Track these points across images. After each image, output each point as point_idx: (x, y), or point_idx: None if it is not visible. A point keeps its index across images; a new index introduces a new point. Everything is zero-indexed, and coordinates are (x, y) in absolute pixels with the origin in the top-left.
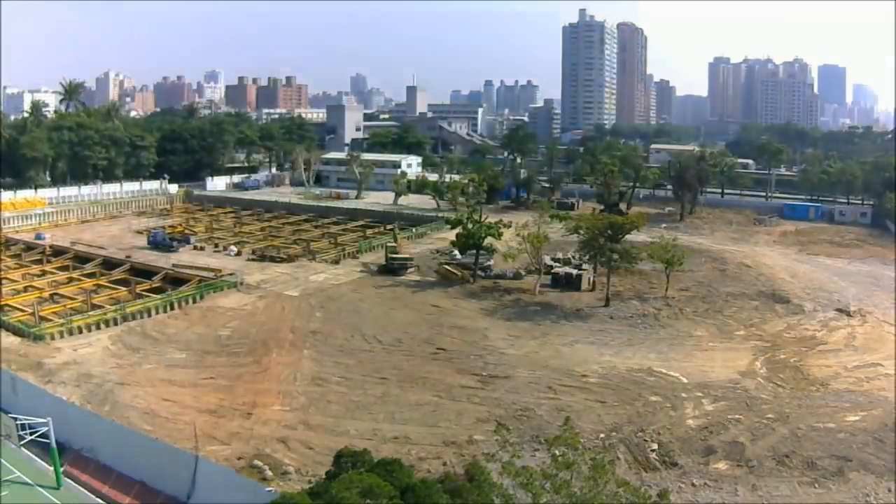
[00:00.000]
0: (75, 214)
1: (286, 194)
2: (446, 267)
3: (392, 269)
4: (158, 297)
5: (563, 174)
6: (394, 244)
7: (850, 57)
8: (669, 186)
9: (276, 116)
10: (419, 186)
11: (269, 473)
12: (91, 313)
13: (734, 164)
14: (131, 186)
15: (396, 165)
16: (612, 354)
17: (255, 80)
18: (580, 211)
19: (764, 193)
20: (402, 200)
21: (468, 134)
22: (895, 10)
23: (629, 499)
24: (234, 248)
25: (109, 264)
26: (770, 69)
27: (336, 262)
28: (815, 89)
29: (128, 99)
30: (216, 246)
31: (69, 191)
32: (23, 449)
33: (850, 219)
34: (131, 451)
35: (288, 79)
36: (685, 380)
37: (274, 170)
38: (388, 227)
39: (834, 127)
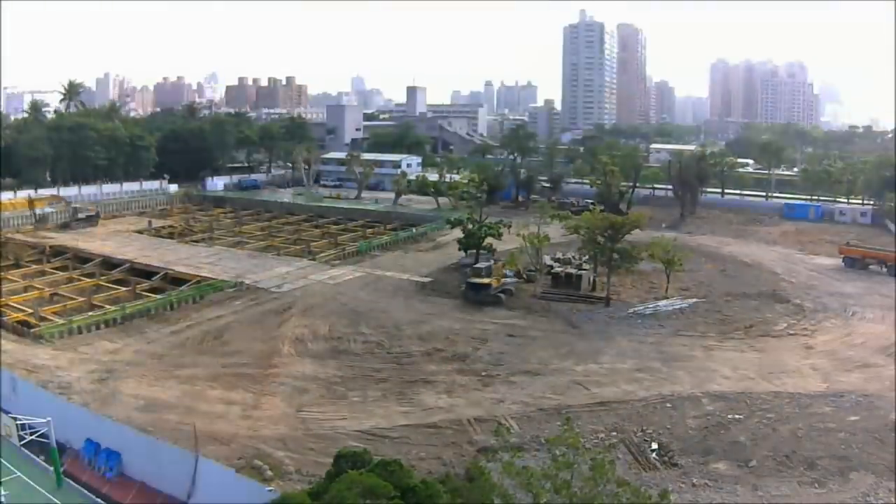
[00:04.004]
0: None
1: (286, 194)
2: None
3: (477, 298)
4: (158, 297)
5: (564, 174)
6: (482, 265)
7: (850, 57)
8: (670, 186)
9: (276, 116)
10: (419, 186)
11: (269, 473)
12: (91, 313)
13: (734, 164)
14: (131, 186)
15: (396, 165)
16: (611, 354)
17: (255, 80)
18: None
19: (764, 193)
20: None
21: (468, 134)
22: (895, 11)
23: (629, 499)
24: None
25: (109, 264)
26: (770, 69)
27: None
28: (815, 89)
29: (128, 99)
30: None
31: (69, 191)
32: (23, 449)
33: (850, 218)
34: (131, 451)
35: (288, 79)
36: (685, 379)
37: (273, 171)
38: (388, 226)
39: (834, 127)
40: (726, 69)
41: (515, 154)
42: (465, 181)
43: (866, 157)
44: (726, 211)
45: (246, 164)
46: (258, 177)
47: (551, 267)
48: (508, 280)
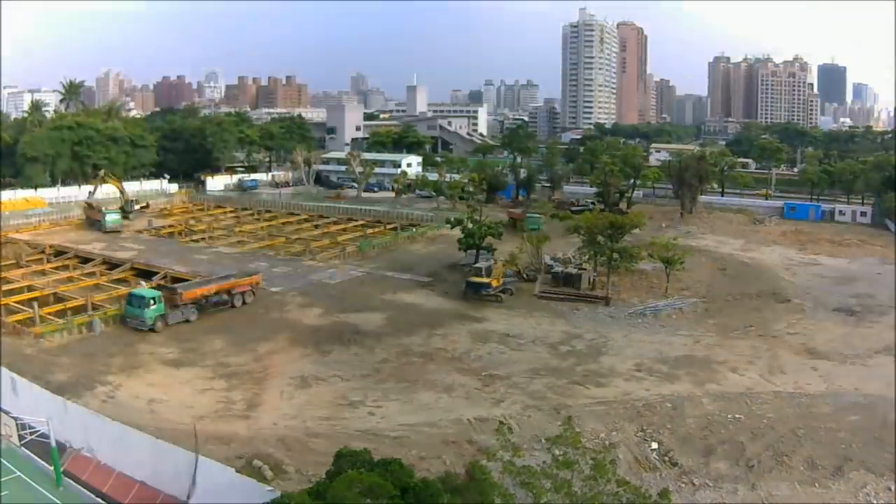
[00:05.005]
0: (75, 214)
1: (286, 194)
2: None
3: (477, 297)
4: None
5: (564, 174)
6: (482, 264)
7: (850, 57)
8: (670, 186)
9: (276, 116)
10: (419, 185)
11: (269, 473)
12: (91, 313)
13: (734, 164)
14: (131, 186)
15: (396, 165)
16: (611, 354)
17: (255, 80)
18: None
19: (764, 193)
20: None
21: (468, 133)
22: (895, 10)
23: (629, 499)
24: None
25: (110, 264)
26: (770, 69)
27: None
28: (815, 89)
29: (128, 99)
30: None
31: (69, 191)
32: (23, 449)
33: (850, 218)
34: (131, 451)
35: (288, 78)
36: (685, 379)
37: (273, 172)
38: (388, 226)
39: (834, 127)
40: (726, 68)
41: (515, 153)
42: (465, 180)
43: (866, 156)
44: (726, 211)
45: (246, 164)
46: (259, 176)
47: (551, 266)
48: (508, 279)
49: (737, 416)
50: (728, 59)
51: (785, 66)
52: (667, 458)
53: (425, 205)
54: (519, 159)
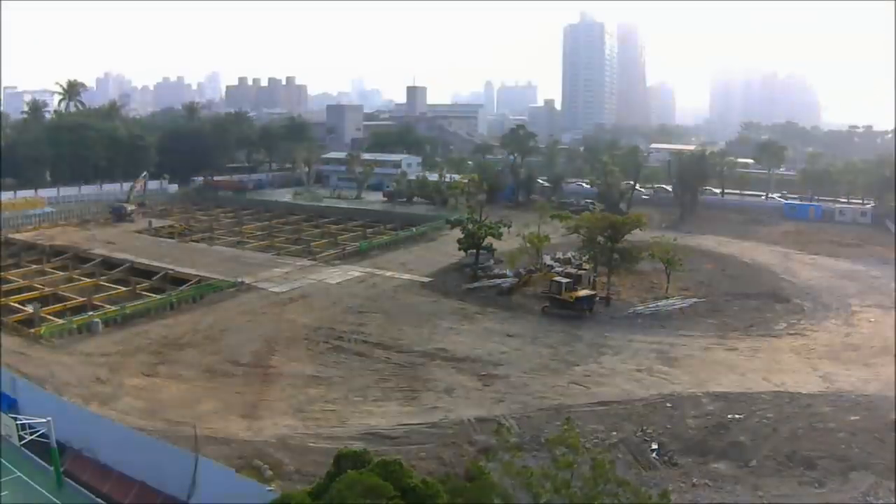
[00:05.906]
0: (75, 214)
1: (286, 194)
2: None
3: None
4: (158, 296)
5: (564, 174)
6: (563, 275)
7: (850, 57)
8: (669, 186)
9: (276, 116)
10: (419, 186)
11: (269, 473)
12: (91, 313)
13: (734, 164)
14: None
15: (396, 165)
16: (611, 354)
17: (255, 80)
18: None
19: (764, 193)
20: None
21: (468, 134)
22: (895, 10)
23: (629, 499)
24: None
25: (109, 264)
26: (770, 68)
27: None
28: (815, 89)
29: (128, 99)
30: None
31: (69, 191)
32: (23, 449)
33: (850, 218)
34: (131, 451)
35: (288, 79)
36: (685, 379)
37: (273, 171)
38: (388, 226)
39: (834, 127)
40: (727, 68)
41: (515, 154)
42: (465, 181)
43: (866, 156)
44: (726, 211)
45: (246, 164)
46: (260, 176)
47: (551, 267)
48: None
49: (737, 416)
50: (728, 59)
51: (785, 66)
52: (667, 458)
53: (425, 206)
54: (519, 160)
